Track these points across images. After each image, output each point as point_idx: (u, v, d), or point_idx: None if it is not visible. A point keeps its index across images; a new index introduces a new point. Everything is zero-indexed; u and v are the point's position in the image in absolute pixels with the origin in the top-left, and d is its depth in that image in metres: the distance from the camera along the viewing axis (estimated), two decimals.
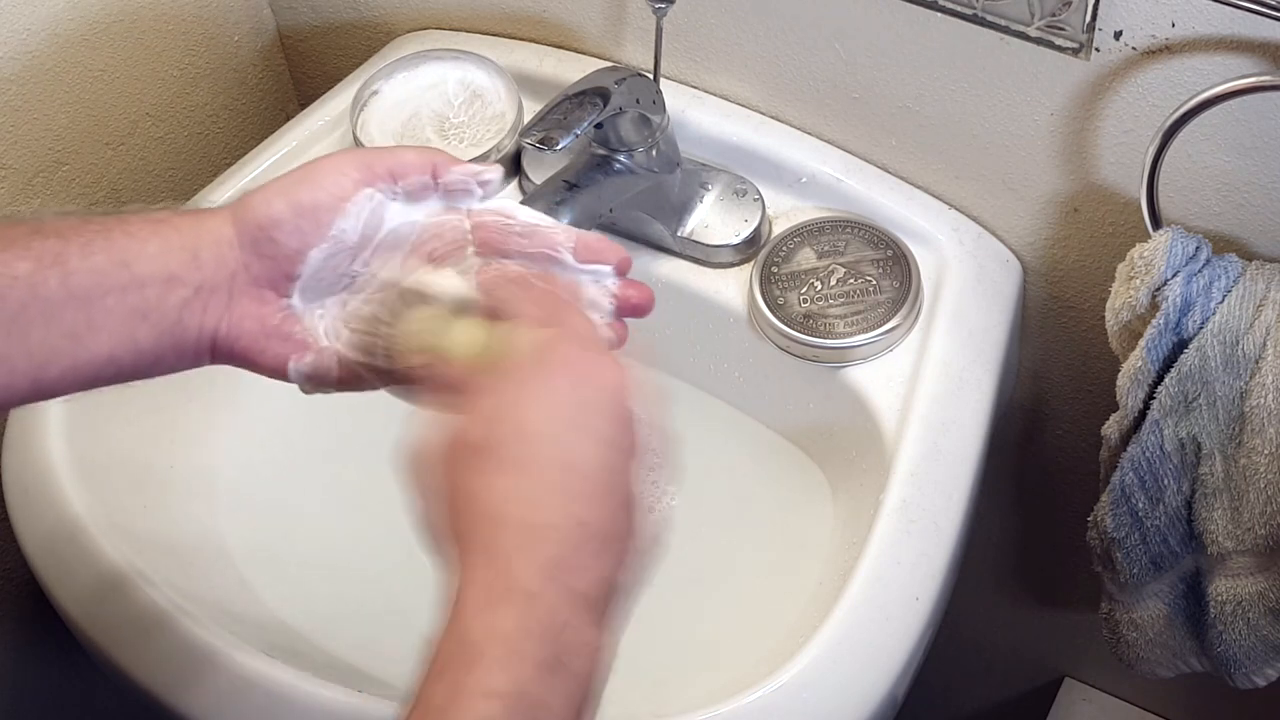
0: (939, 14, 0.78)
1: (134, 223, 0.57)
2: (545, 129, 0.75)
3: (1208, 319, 0.74)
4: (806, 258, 0.84)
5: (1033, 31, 0.75)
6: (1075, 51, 0.75)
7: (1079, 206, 0.83)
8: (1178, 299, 0.73)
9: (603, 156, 0.82)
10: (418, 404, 0.56)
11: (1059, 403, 0.97)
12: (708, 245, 0.86)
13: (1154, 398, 0.76)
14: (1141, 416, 0.78)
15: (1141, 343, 0.75)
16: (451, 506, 0.50)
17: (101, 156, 0.98)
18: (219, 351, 0.58)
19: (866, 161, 0.88)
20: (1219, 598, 0.82)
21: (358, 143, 0.90)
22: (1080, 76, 0.76)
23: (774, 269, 0.84)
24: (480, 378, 0.53)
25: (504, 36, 0.97)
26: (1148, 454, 0.78)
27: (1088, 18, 0.73)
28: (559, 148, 0.74)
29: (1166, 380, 0.75)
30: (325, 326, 0.60)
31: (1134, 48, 0.74)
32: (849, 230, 0.85)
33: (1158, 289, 0.74)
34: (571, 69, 0.90)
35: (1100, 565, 0.86)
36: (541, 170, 0.88)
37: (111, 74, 0.96)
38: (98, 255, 0.55)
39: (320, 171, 0.59)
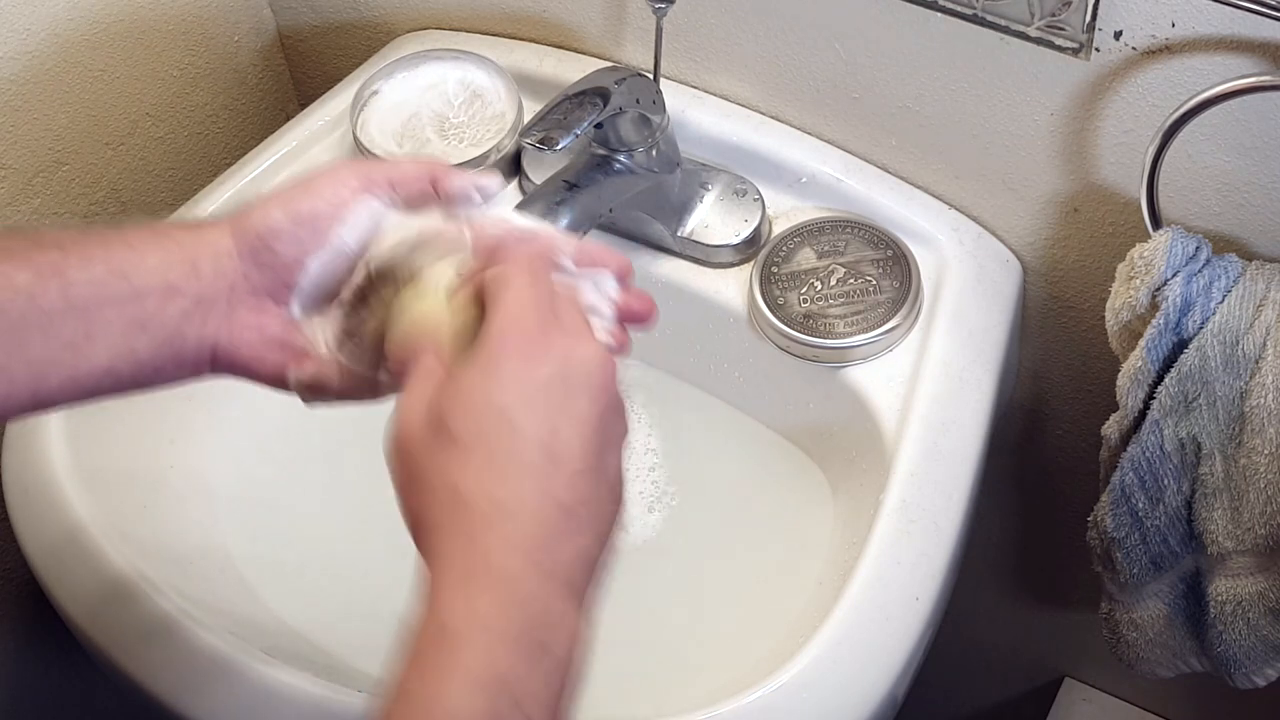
0: (939, 14, 0.78)
1: (133, 234, 0.57)
2: (545, 129, 0.75)
3: (1208, 319, 0.74)
4: (806, 258, 0.84)
5: (1033, 31, 0.75)
6: (1075, 51, 0.75)
7: (1079, 206, 0.83)
8: (1178, 299, 0.73)
9: (603, 156, 0.82)
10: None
11: (1059, 403, 0.97)
12: (708, 245, 0.86)
13: (1154, 398, 0.76)
14: (1141, 416, 0.78)
15: (1141, 343, 0.75)
16: (423, 489, 0.50)
17: (101, 156, 0.98)
18: (219, 362, 0.58)
19: (866, 161, 0.88)
20: (1219, 598, 0.82)
21: (357, 142, 0.90)
22: (1080, 76, 0.76)
23: (774, 269, 0.84)
24: (452, 346, 0.52)
25: (504, 36, 0.97)
26: (1148, 454, 0.78)
27: (1088, 18, 0.73)
28: (559, 148, 0.74)
29: (1166, 380, 0.75)
30: (325, 336, 0.60)
31: (1134, 48, 0.74)
32: (849, 230, 0.85)
33: (1158, 289, 0.74)
34: (571, 69, 0.90)
35: (1100, 565, 0.86)
36: (541, 170, 0.88)
37: (111, 74, 0.96)
38: (97, 266, 0.55)
39: (319, 181, 0.59)
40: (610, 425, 0.52)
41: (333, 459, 0.89)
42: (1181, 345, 0.75)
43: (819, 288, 0.83)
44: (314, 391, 0.59)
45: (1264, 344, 0.73)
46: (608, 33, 0.92)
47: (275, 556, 0.83)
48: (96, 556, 0.74)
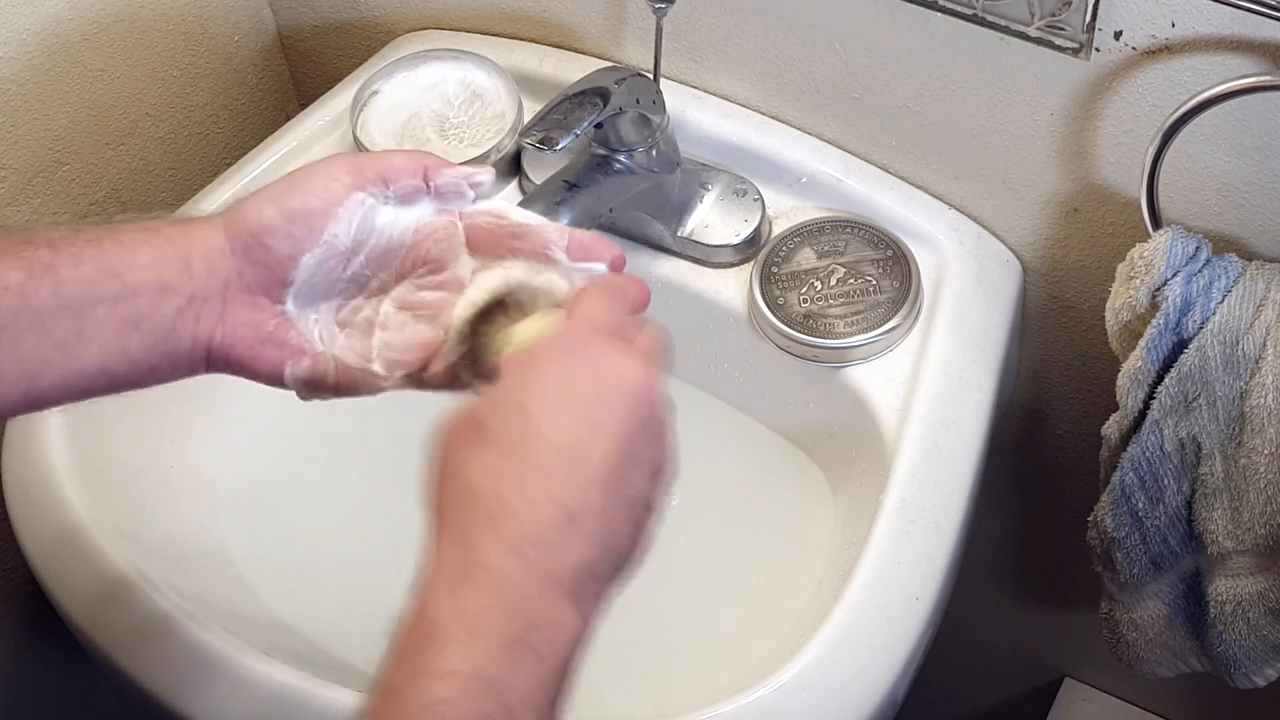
0: (939, 14, 0.78)
1: (125, 232, 0.57)
2: (545, 129, 0.75)
3: (1208, 319, 0.74)
4: (806, 258, 0.84)
5: (1033, 31, 0.75)
6: (1075, 51, 0.75)
7: (1079, 206, 0.83)
8: (1178, 299, 0.73)
9: (603, 156, 0.82)
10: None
11: (1059, 403, 0.97)
12: (708, 245, 0.86)
13: (1154, 398, 0.76)
14: (1141, 416, 0.78)
15: (1141, 343, 0.75)
16: (444, 479, 0.50)
17: (101, 156, 0.98)
18: (214, 360, 0.58)
19: (866, 161, 0.88)
20: (1219, 598, 0.82)
21: (357, 142, 0.90)
22: (1080, 76, 0.76)
23: (774, 269, 0.84)
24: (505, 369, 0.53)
25: (504, 36, 0.97)
26: (1148, 454, 0.78)
27: (1088, 18, 0.73)
28: (559, 148, 0.74)
29: (1166, 380, 0.75)
30: (320, 331, 0.60)
31: (1134, 48, 0.74)
32: (849, 230, 0.85)
33: (1158, 289, 0.74)
34: (571, 69, 0.90)
35: (1100, 565, 0.86)
36: (541, 170, 0.88)
37: (111, 74, 0.96)
38: (88, 265, 0.55)
39: (311, 177, 0.59)
40: (639, 444, 0.51)
41: (333, 458, 0.89)
42: (1181, 345, 0.75)
43: (819, 288, 0.83)
44: (311, 387, 0.59)
45: (1264, 344, 0.73)
46: (608, 33, 0.92)
47: (275, 556, 0.83)
48: (96, 556, 0.74)
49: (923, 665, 0.75)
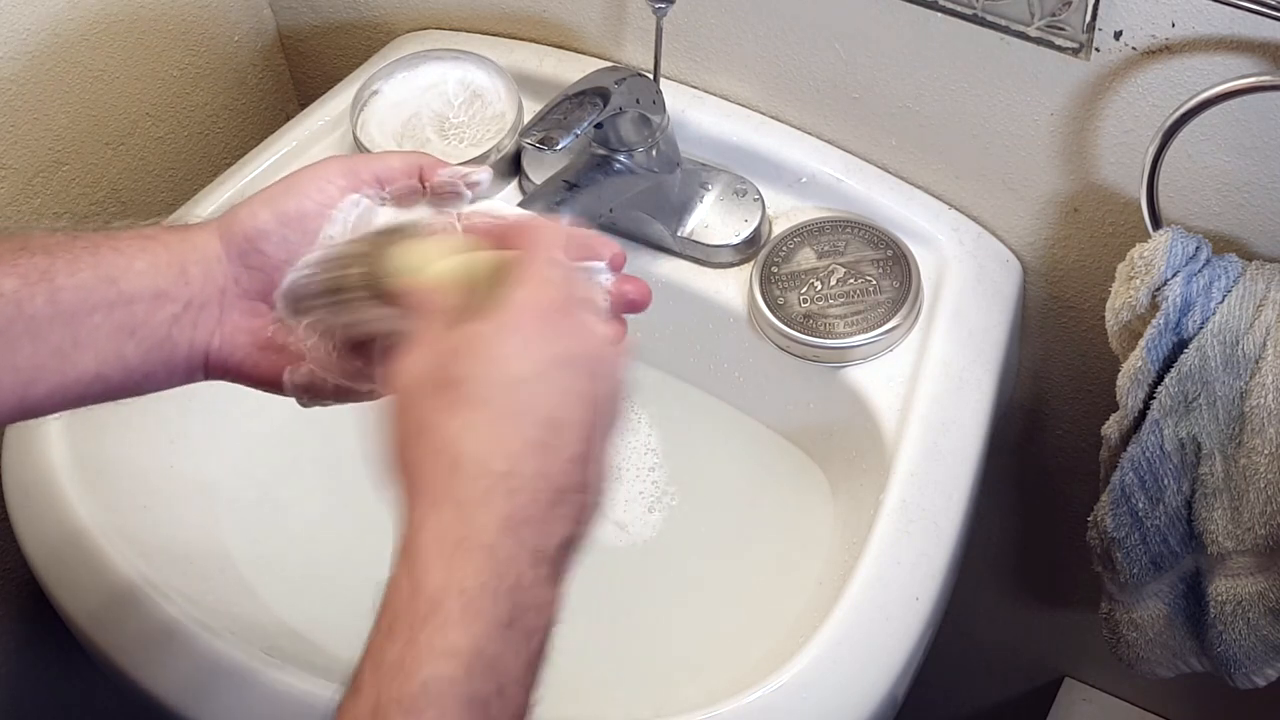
0: (939, 14, 0.78)
1: (121, 239, 0.57)
2: (545, 129, 0.75)
3: (1208, 319, 0.74)
4: (806, 258, 0.84)
5: (1033, 31, 0.75)
6: (1075, 51, 0.75)
7: (1079, 206, 0.83)
8: (1178, 299, 0.73)
9: (603, 156, 0.82)
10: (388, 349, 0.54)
11: (1059, 403, 0.97)
12: (708, 245, 0.86)
13: (1154, 398, 0.76)
14: (1141, 416, 0.78)
15: (1141, 343, 0.75)
16: (420, 443, 0.49)
17: (101, 156, 0.98)
18: (212, 367, 0.58)
19: (866, 161, 0.88)
20: (1219, 598, 0.82)
21: (357, 143, 0.90)
22: (1080, 76, 0.76)
23: (774, 269, 0.84)
24: (466, 303, 0.51)
25: (504, 36, 0.97)
26: (1148, 454, 0.78)
27: (1088, 18, 0.73)
28: (559, 148, 0.74)
29: (1166, 380, 0.75)
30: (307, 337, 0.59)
31: (1134, 48, 0.74)
32: (849, 230, 0.85)
33: (1158, 289, 0.74)
34: (571, 69, 0.90)
35: (1100, 565, 0.86)
36: (541, 170, 0.88)
37: (111, 74, 0.96)
38: (84, 272, 0.55)
39: (305, 180, 0.58)
40: (605, 412, 0.51)
41: (333, 459, 0.89)
42: (1181, 345, 0.75)
43: (819, 288, 0.83)
44: (309, 393, 0.59)
45: (1264, 344, 0.73)
46: (608, 33, 0.92)
47: (275, 556, 0.83)
48: (96, 557, 0.74)
49: (923, 665, 0.75)
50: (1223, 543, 0.79)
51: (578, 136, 0.75)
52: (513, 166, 0.91)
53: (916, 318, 0.83)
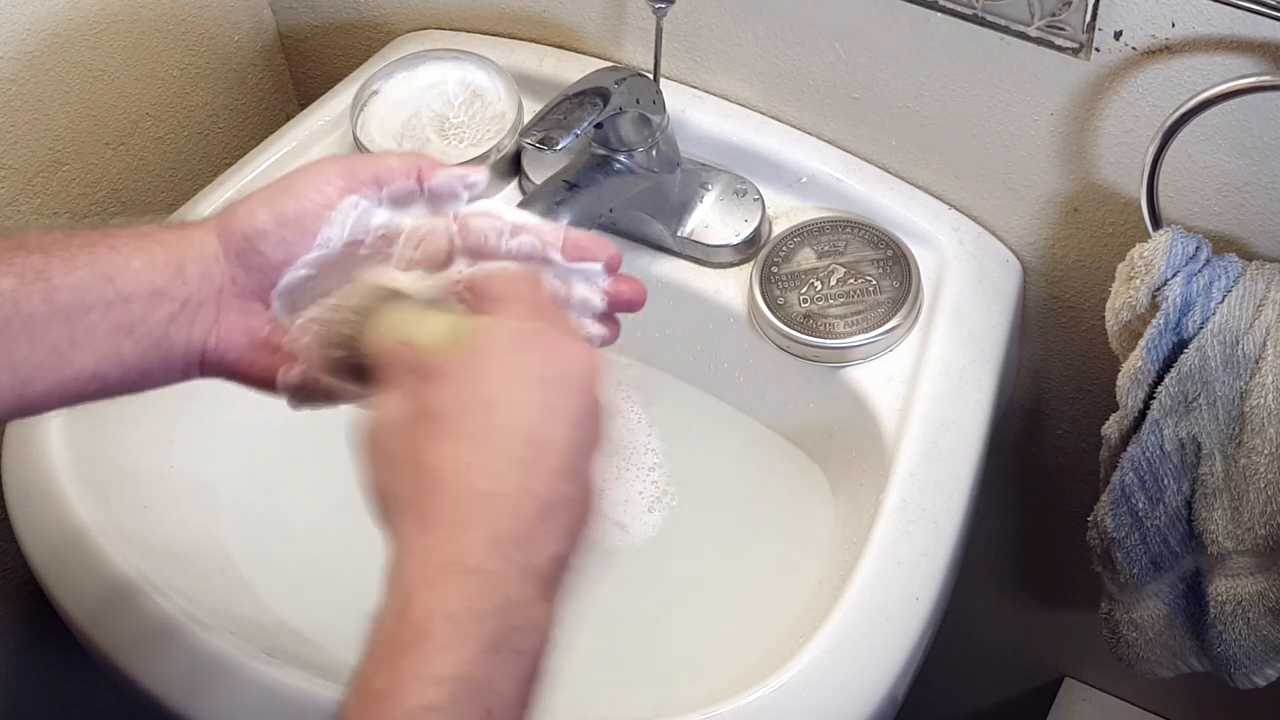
0: (939, 14, 0.78)
1: (118, 237, 0.56)
2: (545, 129, 0.75)
3: (1208, 319, 0.74)
4: (806, 258, 0.84)
5: (1033, 31, 0.75)
6: (1075, 51, 0.75)
7: (1079, 206, 0.83)
8: (1178, 299, 0.73)
9: (603, 156, 0.82)
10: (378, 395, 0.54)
11: (1059, 403, 0.97)
12: (708, 245, 0.86)
13: (1154, 398, 0.76)
14: (1141, 416, 0.78)
15: (1141, 343, 0.75)
16: (397, 466, 0.49)
17: (101, 156, 0.98)
18: (208, 366, 0.58)
19: (866, 161, 0.88)
20: (1219, 598, 0.82)
21: (357, 142, 0.90)
22: (1080, 76, 0.76)
23: (774, 269, 0.84)
24: (447, 359, 0.51)
25: (504, 36, 0.97)
26: (1148, 454, 0.78)
27: (1088, 18, 0.73)
28: (559, 148, 0.74)
29: (1166, 380, 0.75)
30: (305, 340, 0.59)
31: (1134, 48, 0.74)
32: (849, 230, 0.85)
33: (1158, 289, 0.74)
34: (571, 69, 0.90)
35: (1100, 565, 0.86)
36: (541, 170, 0.88)
37: (111, 74, 0.96)
38: (81, 270, 0.54)
39: (303, 181, 0.58)
40: (588, 428, 0.51)
41: (333, 459, 0.88)
42: (1181, 345, 0.75)
43: (819, 288, 0.83)
44: (302, 394, 0.59)
45: (1264, 344, 0.73)
46: (608, 33, 0.92)
47: (275, 556, 0.83)
48: (97, 557, 0.74)
49: (923, 665, 0.75)
50: (1223, 543, 0.79)
51: (578, 136, 0.75)
52: (513, 166, 0.91)
53: (916, 318, 0.83)
